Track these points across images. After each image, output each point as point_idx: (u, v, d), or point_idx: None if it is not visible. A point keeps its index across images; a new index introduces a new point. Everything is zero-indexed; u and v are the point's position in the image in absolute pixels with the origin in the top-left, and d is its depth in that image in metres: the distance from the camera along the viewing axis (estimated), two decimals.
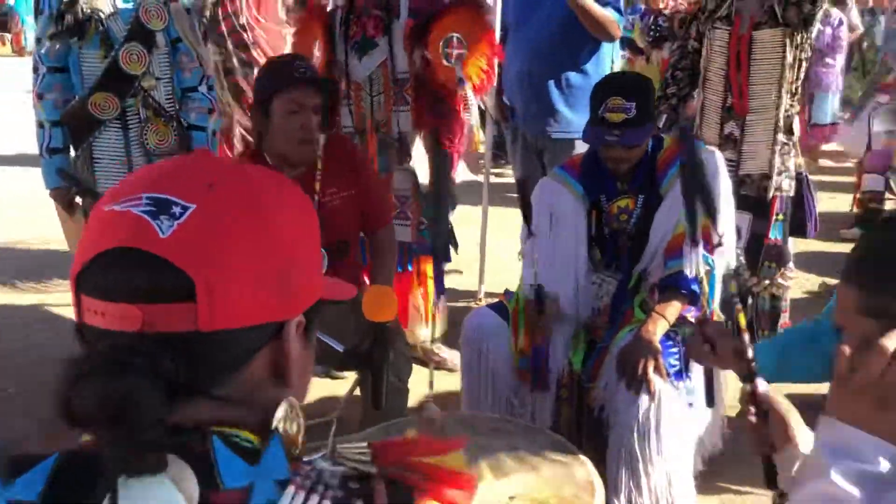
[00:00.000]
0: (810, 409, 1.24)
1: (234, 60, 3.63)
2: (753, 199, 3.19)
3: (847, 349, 0.95)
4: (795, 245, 3.45)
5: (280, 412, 0.74)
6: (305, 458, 0.71)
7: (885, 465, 0.89)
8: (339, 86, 3.09)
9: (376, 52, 3.08)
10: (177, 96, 2.95)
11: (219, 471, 0.66)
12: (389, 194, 2.95)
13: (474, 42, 3.04)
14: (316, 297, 0.78)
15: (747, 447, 1.34)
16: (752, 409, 1.31)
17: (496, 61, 3.18)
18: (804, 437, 1.23)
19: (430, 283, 3.32)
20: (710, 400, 1.85)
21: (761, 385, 1.31)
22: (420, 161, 3.32)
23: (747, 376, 1.35)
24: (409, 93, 3.12)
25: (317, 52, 3.15)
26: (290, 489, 0.66)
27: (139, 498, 0.63)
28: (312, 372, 0.84)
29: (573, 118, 3.48)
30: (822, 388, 1.68)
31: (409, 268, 3.22)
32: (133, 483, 0.62)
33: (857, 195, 5.63)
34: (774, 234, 3.23)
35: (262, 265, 0.70)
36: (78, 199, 2.96)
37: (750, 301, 3.42)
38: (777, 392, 1.32)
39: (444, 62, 3.00)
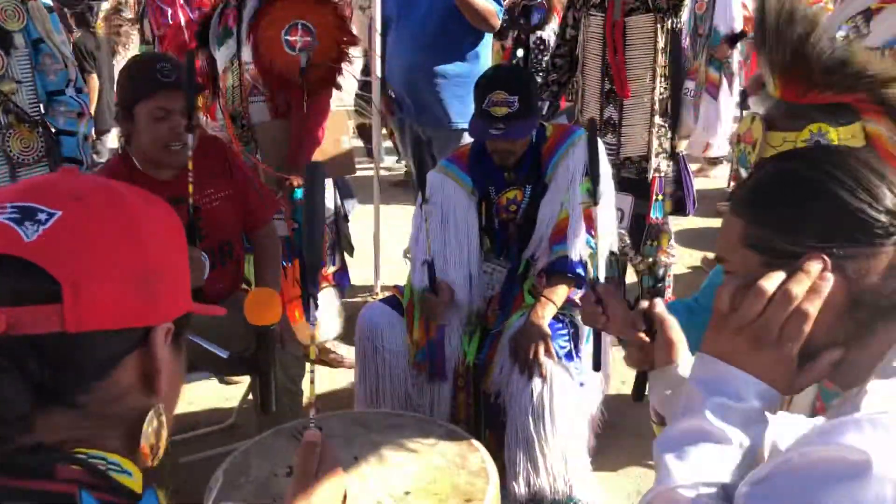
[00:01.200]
0: None
1: None
2: (634, 180, 3.30)
3: (727, 289, 0.95)
4: (676, 223, 3.59)
5: (148, 426, 0.75)
6: None
7: (755, 402, 0.92)
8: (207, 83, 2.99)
9: (231, 42, 3.00)
10: (42, 100, 2.79)
11: None
12: (269, 190, 2.85)
13: (324, 30, 2.95)
14: (184, 308, 0.80)
15: (626, 360, 1.36)
16: (643, 326, 1.31)
17: (374, 52, 3.13)
18: (684, 364, 1.25)
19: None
20: (598, 364, 1.90)
21: (658, 305, 1.31)
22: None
23: (656, 288, 1.33)
24: (259, 82, 3.01)
25: None
26: None
27: None
28: (183, 380, 0.85)
29: (459, 108, 3.51)
30: None
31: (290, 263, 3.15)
32: None
33: (733, 169, 5.91)
34: (655, 214, 3.35)
35: (127, 270, 0.72)
36: None
37: (634, 278, 3.55)
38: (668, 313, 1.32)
39: (287, 50, 2.91)
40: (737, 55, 5.78)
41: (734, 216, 0.98)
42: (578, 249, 2.40)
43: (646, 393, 1.31)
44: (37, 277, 0.68)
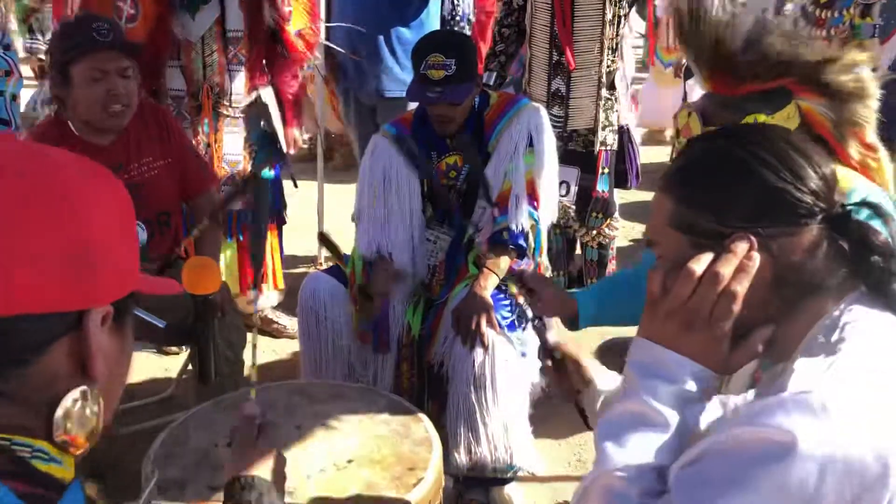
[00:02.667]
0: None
1: None
2: (580, 153, 3.32)
3: (658, 273, 0.97)
4: (620, 196, 3.63)
5: (68, 400, 0.70)
6: None
7: (690, 384, 0.94)
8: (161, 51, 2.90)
9: (210, 8, 2.90)
10: None
11: None
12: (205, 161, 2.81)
13: None
14: (127, 288, 0.76)
15: (556, 398, 1.40)
16: (548, 361, 1.35)
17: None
18: (600, 376, 1.29)
19: (275, 249, 3.27)
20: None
21: (550, 336, 1.35)
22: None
23: (535, 327, 1.40)
24: (242, 52, 2.98)
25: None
26: None
27: None
28: (129, 363, 0.81)
29: (403, 76, 3.46)
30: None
31: (241, 237, 3.11)
32: None
33: (676, 144, 5.99)
34: (601, 187, 3.39)
35: (57, 252, 0.68)
36: None
37: (578, 251, 3.59)
38: (562, 337, 1.37)
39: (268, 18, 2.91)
40: None
41: (663, 195, 1.00)
42: (521, 220, 2.40)
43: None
44: None
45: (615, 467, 0.92)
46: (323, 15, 3.71)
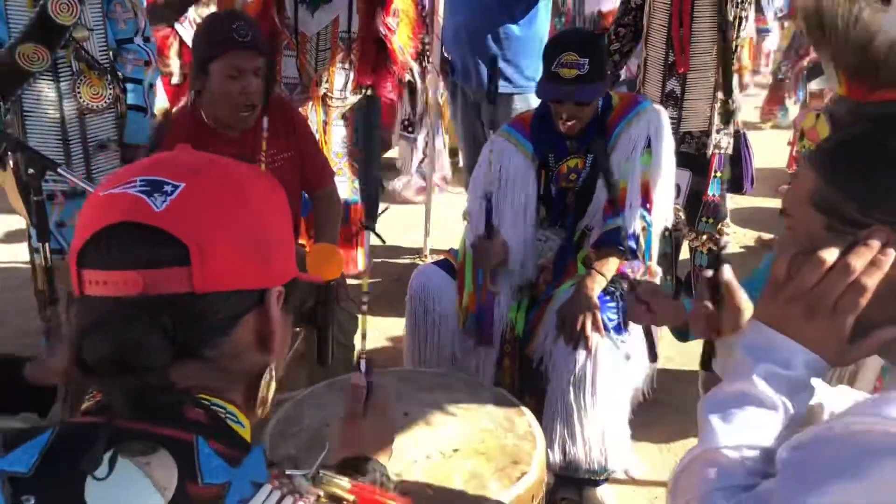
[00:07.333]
0: None
1: None
2: (693, 156, 3.25)
3: (784, 256, 0.95)
4: (732, 201, 3.54)
5: (267, 375, 0.84)
6: (287, 472, 0.76)
7: (801, 371, 0.93)
8: (280, 41, 3.05)
9: (330, 8, 3.05)
10: (112, 48, 2.85)
11: (200, 467, 0.71)
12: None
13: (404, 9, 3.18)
14: (292, 273, 0.86)
15: (693, 330, 1.35)
16: (710, 294, 1.30)
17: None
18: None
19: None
20: (654, 356, 1.91)
21: (727, 272, 1.29)
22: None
23: (712, 264, 1.33)
24: (355, 51, 3.12)
25: None
26: (267, 487, 0.72)
27: (116, 484, 0.69)
28: (290, 339, 0.93)
29: (511, 73, 3.49)
30: None
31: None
32: (115, 472, 0.69)
33: (794, 152, 5.77)
34: (712, 191, 3.30)
35: (244, 236, 0.79)
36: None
37: (686, 254, 3.52)
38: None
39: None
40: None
41: (808, 169, 0.97)
42: (633, 222, 2.38)
43: (713, 359, 1.31)
44: (167, 243, 0.74)
45: (720, 444, 0.92)
46: (442, 11, 3.79)
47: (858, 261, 0.89)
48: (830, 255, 0.90)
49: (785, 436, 0.90)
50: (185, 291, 0.75)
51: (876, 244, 0.89)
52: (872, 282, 0.89)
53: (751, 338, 0.98)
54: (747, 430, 0.92)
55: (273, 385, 0.85)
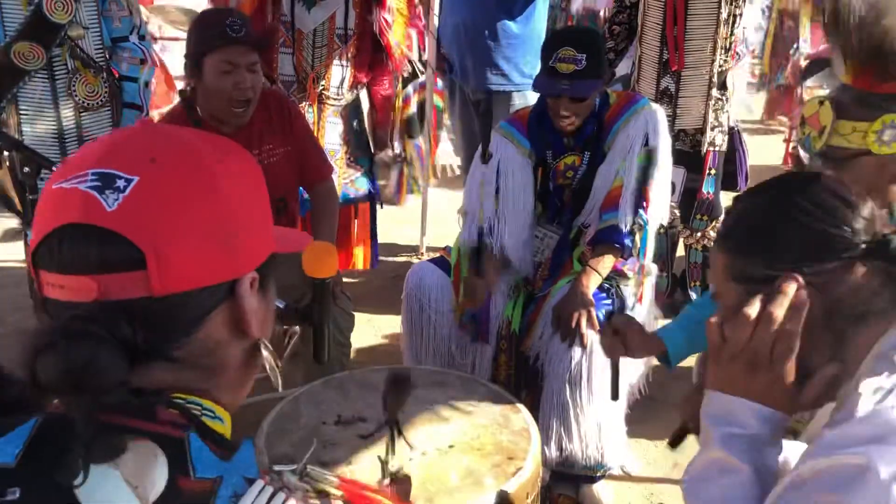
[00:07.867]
0: None
1: None
2: (687, 153, 3.27)
3: (714, 321, 1.01)
4: (727, 198, 3.55)
5: (265, 356, 0.82)
6: (275, 468, 0.75)
7: (757, 427, 0.98)
8: (274, 37, 3.05)
9: (327, 5, 3.05)
10: (107, 46, 2.85)
11: (192, 461, 0.69)
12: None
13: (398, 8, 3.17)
14: (267, 253, 0.81)
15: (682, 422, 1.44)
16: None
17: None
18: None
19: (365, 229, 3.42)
20: (616, 394, 1.92)
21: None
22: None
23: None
24: (351, 49, 3.12)
25: None
26: (260, 483, 0.70)
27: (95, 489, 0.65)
28: (273, 320, 0.87)
29: (509, 70, 3.50)
30: None
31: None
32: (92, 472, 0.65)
33: (789, 149, 5.80)
34: (707, 188, 3.32)
35: (207, 229, 0.73)
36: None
37: (681, 252, 3.54)
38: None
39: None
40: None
41: (717, 251, 1.07)
42: (628, 220, 2.39)
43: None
44: (121, 246, 0.69)
45: None
46: (437, 9, 3.80)
47: (778, 309, 0.96)
48: (753, 309, 0.97)
49: (764, 494, 0.94)
50: (144, 296, 0.70)
51: (790, 288, 0.96)
52: (796, 325, 0.96)
53: (709, 407, 1.03)
54: (724, 501, 0.98)
55: (272, 358, 0.82)
